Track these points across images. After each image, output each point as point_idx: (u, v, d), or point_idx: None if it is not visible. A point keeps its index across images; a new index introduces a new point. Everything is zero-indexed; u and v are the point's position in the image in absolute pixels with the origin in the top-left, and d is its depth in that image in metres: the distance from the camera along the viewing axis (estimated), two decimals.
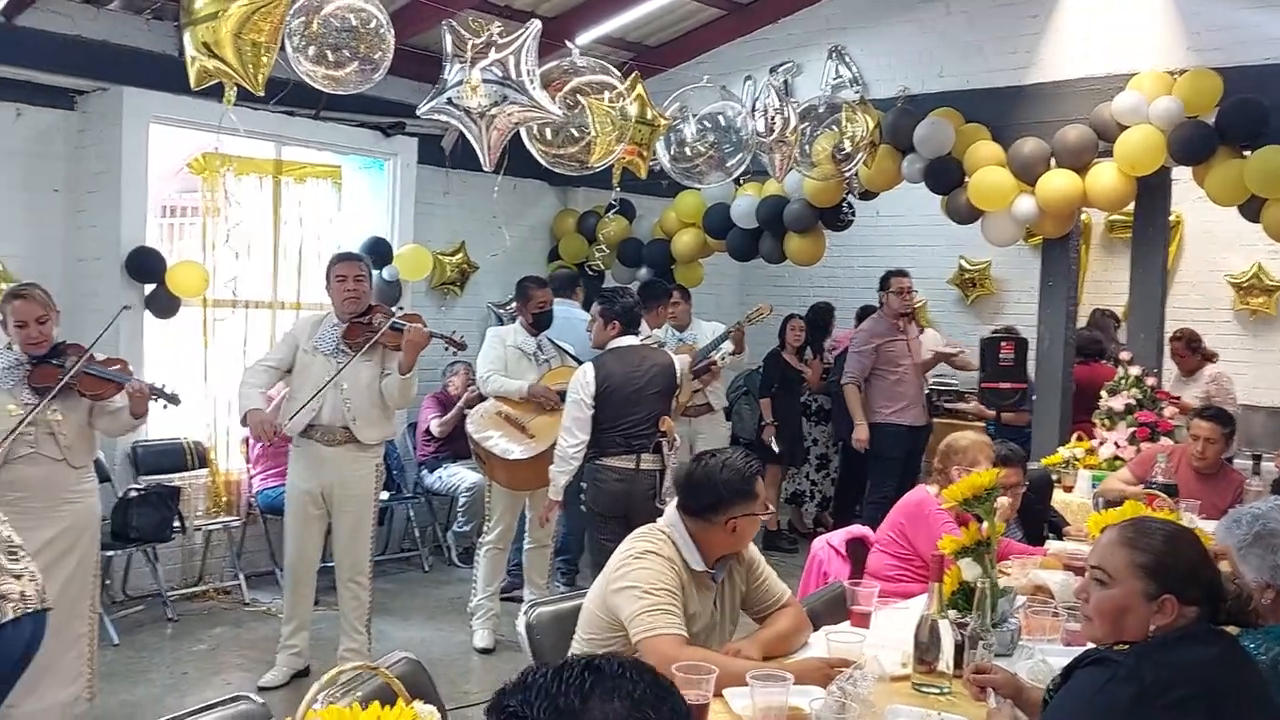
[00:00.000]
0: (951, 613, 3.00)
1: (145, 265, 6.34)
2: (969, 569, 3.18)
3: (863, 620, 3.26)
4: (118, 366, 4.52)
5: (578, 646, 3.08)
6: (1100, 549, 2.33)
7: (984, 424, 7.89)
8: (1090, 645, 2.38)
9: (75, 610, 4.37)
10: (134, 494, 6.04)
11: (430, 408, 7.55)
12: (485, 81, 4.10)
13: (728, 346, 7.01)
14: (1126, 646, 2.22)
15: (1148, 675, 2.09)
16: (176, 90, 3.98)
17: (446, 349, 5.34)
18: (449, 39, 4.10)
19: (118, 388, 4.43)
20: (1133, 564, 2.25)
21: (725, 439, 7.57)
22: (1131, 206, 6.70)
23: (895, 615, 3.30)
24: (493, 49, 4.12)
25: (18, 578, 3.00)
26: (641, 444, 5.14)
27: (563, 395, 5.45)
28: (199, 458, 6.72)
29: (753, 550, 3.25)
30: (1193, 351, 7.43)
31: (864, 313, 8.41)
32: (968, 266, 9.45)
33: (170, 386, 4.60)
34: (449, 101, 4.16)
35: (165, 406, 4.61)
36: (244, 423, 5.14)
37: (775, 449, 8.01)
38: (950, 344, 8.43)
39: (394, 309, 5.21)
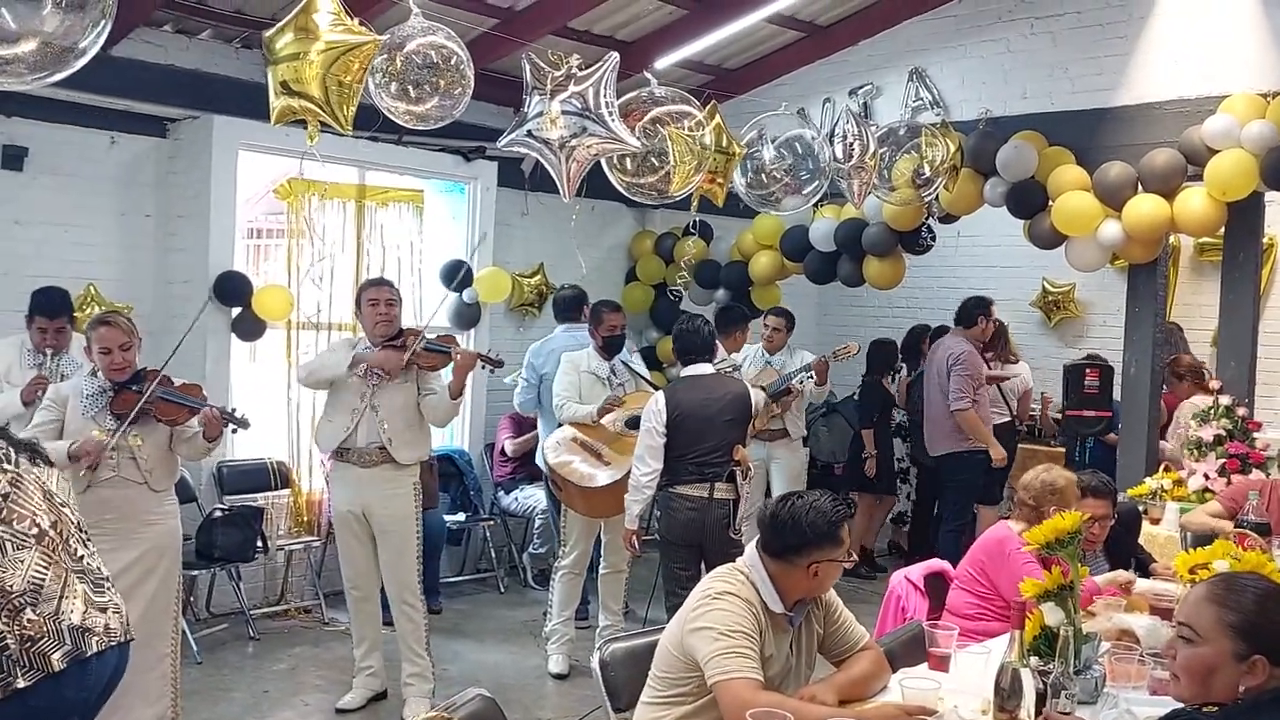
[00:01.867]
0: (1034, 660, 2.94)
1: (232, 289, 6.48)
2: (1051, 614, 3.11)
3: (941, 663, 3.21)
4: (194, 392, 4.60)
5: (653, 684, 3.06)
6: (1188, 606, 2.27)
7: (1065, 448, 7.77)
8: (1177, 705, 2.32)
9: (157, 631, 4.45)
10: (218, 514, 6.18)
11: (505, 428, 7.60)
12: (565, 114, 4.13)
13: (812, 380, 6.99)
14: (1215, 708, 2.16)
15: None
16: (264, 118, 4.08)
17: (483, 367, 5.37)
18: (529, 71, 4.14)
19: (192, 412, 4.51)
20: (1222, 622, 2.19)
21: (803, 464, 7.52)
22: (1222, 230, 6.53)
23: (975, 658, 3.24)
24: (572, 81, 4.16)
25: (103, 610, 3.06)
26: (715, 473, 5.11)
27: (637, 419, 5.44)
28: (282, 478, 6.84)
29: (831, 592, 3.22)
30: (1180, 379, 6.95)
31: (938, 333, 8.37)
32: (1051, 289, 9.27)
33: (241, 411, 4.68)
34: (529, 134, 4.21)
35: (235, 431, 4.70)
36: (351, 369, 5.10)
37: (873, 480, 8.09)
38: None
39: (423, 330, 5.27)
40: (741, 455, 5.15)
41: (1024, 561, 3.84)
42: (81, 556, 3.09)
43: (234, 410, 4.65)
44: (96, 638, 2.98)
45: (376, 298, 5.21)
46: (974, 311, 7.48)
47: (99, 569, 3.15)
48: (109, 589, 3.15)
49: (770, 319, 7.41)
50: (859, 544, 8.17)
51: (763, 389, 6.80)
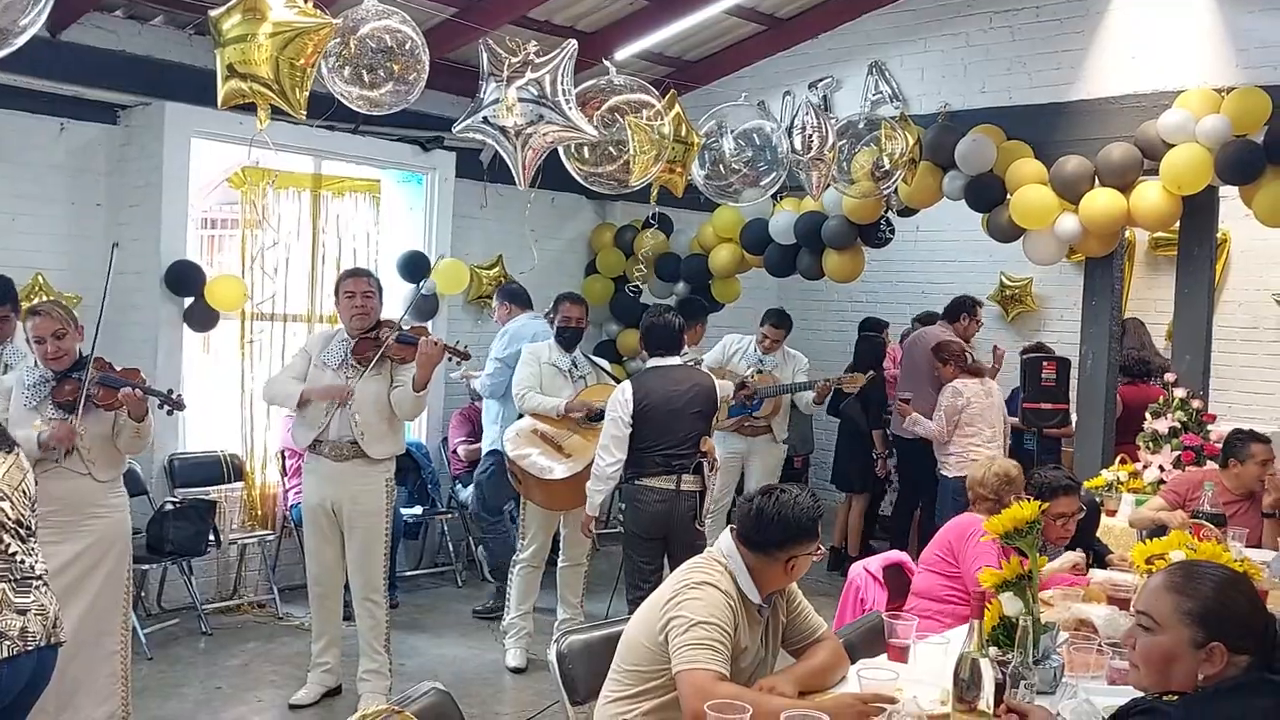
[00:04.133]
0: (992, 650, 2.93)
1: (184, 279, 6.37)
2: (1010, 604, 3.10)
3: (900, 654, 3.19)
4: (133, 376, 4.49)
5: (619, 677, 3.01)
6: (1146, 594, 2.26)
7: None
8: (1138, 694, 2.31)
9: (105, 626, 4.36)
10: (170, 507, 6.07)
11: (458, 425, 7.50)
12: (521, 100, 4.08)
13: (809, 395, 7.04)
14: (1175, 697, 2.15)
15: None
16: (217, 105, 4.02)
17: (450, 359, 5.30)
18: (485, 58, 4.08)
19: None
20: (1180, 610, 2.18)
21: (779, 462, 7.48)
22: (1177, 224, 6.58)
23: (934, 648, 3.23)
24: (529, 68, 4.10)
25: (22, 613, 2.93)
26: (682, 464, 5.08)
27: (601, 411, 5.40)
28: (235, 471, 6.73)
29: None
30: (944, 363, 6.98)
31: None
32: (1009, 283, 9.33)
33: (176, 392, 4.57)
34: (485, 120, 4.15)
35: (170, 412, 4.59)
36: (302, 404, 5.03)
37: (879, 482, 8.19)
38: None
39: (398, 322, 5.19)
40: (709, 447, 5.13)
41: (985, 550, 3.84)
42: (14, 554, 2.97)
43: (170, 391, 4.54)
44: (9, 642, 2.87)
45: (353, 290, 5.10)
46: (959, 310, 7.73)
47: (31, 567, 3.04)
48: (37, 588, 3.03)
49: (766, 328, 7.23)
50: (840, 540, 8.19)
51: (739, 386, 6.80)
